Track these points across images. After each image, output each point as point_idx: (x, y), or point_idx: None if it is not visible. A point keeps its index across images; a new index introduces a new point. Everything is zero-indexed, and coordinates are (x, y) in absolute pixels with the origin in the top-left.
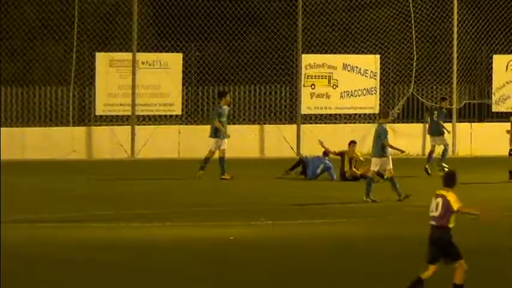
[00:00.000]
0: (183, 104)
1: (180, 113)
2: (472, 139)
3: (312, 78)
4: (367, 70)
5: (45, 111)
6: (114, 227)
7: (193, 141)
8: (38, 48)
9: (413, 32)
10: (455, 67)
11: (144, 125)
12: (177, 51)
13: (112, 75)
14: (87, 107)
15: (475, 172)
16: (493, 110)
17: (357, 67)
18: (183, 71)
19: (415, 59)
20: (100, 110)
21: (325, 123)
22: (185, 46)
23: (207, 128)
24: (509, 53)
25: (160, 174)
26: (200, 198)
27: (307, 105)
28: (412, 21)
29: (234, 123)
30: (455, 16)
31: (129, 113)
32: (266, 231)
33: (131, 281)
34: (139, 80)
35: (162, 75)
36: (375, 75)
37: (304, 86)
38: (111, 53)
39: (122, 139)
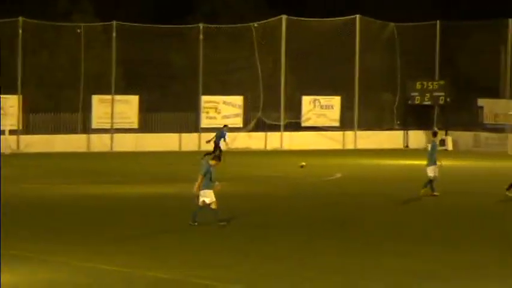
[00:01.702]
0: None
1: None
2: (291, 141)
3: (206, 108)
4: (236, 104)
5: None
6: None
7: None
8: None
9: (260, 82)
10: (282, 101)
11: None
12: None
13: None
14: None
15: (292, 158)
16: (302, 125)
17: (230, 102)
18: None
19: (261, 97)
20: None
21: (213, 131)
22: None
23: None
24: (309, 95)
25: None
26: None
27: (204, 122)
28: (260, 76)
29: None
30: (283, 74)
31: None
32: None
33: None
34: None
35: None
36: (240, 107)
37: (202, 112)
38: None
39: None
